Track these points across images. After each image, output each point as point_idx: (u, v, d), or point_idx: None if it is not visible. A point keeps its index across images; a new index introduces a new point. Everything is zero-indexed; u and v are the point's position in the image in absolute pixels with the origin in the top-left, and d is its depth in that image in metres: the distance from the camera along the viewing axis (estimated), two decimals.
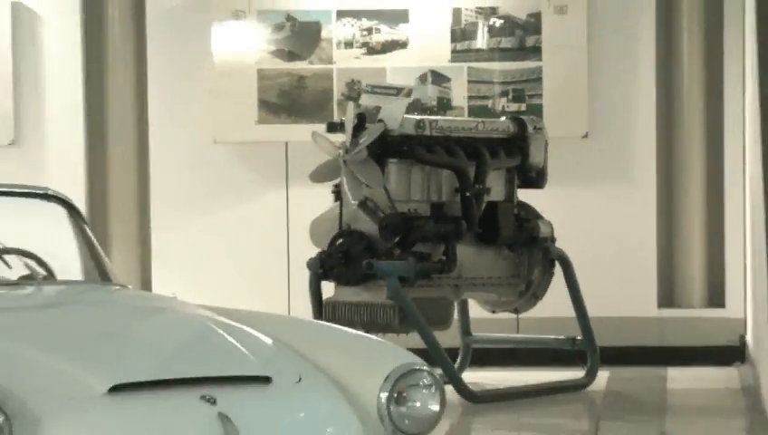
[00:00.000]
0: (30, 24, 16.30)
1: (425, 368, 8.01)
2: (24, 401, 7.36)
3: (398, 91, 15.41)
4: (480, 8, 16.13)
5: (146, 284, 15.99)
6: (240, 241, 16.12)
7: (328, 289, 13.91)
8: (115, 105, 16.42)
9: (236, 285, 15.27)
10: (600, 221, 15.81)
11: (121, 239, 16.28)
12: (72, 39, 16.29)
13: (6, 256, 9.20)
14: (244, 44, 16.16)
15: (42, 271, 9.14)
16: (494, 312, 14.66)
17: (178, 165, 16.28)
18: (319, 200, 14.32)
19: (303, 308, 13.99)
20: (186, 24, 16.20)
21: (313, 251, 14.01)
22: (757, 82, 13.20)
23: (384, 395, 7.80)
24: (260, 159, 16.16)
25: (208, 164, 16.19)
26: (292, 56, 16.24)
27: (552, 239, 14.26)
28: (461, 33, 16.17)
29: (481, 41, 16.16)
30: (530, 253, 14.25)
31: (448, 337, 14.15)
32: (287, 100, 16.21)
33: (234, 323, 8.30)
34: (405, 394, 7.87)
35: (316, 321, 12.58)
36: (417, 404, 7.87)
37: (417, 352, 8.52)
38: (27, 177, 14.74)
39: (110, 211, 16.36)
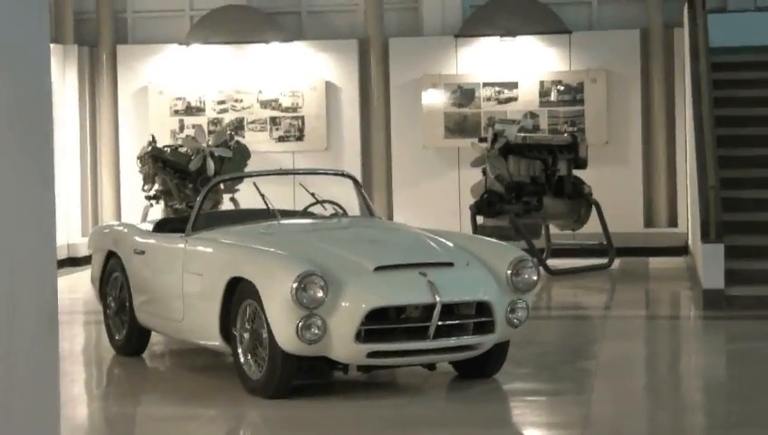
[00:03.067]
0: (334, 91, 16.23)
1: (528, 257, 7.98)
2: (333, 274, 7.49)
3: (513, 121, 15.19)
4: (552, 81, 15.90)
5: (390, 217, 16.01)
6: (436, 196, 16.05)
7: (479, 220, 13.85)
8: (375, 128, 16.38)
9: (434, 216, 15.24)
10: (613, 184, 15.44)
11: (378, 195, 16.27)
12: (353, 98, 16.23)
13: (325, 204, 9.23)
14: (438, 100, 16.08)
15: (341, 211, 9.16)
16: (561, 230, 14.51)
17: (406, 157, 16.22)
18: (474, 176, 14.26)
19: (466, 229, 13.92)
20: (409, 90, 16.11)
21: (471, 200, 13.94)
22: (691, 106, 12.96)
23: (509, 271, 7.78)
24: (445, 155, 16.06)
25: (420, 157, 16.11)
26: (460, 106, 16.07)
27: (591, 193, 14.07)
28: (543, 93, 15.93)
29: (553, 96, 15.90)
30: (579, 200, 14.07)
31: (539, 243, 14.04)
32: (458, 126, 16.04)
33: (434, 236, 8.26)
34: (519, 271, 7.81)
35: (474, 235, 12.52)
36: (526, 276, 7.83)
37: (524, 250, 8.35)
38: (333, 164, 14.89)
39: (373, 181, 16.36)
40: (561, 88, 15.75)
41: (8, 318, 3.67)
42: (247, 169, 13.82)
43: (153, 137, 14.62)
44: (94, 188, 16.50)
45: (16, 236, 3.71)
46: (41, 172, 3.92)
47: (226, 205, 13.90)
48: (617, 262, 14.17)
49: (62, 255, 15.06)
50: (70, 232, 15.70)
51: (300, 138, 16.15)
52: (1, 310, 3.65)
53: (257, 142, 15.74)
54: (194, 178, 13.97)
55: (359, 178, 9.97)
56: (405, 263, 7.63)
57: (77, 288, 12.87)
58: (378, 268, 7.52)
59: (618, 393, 7.80)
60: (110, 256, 9.27)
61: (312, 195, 9.15)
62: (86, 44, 16.53)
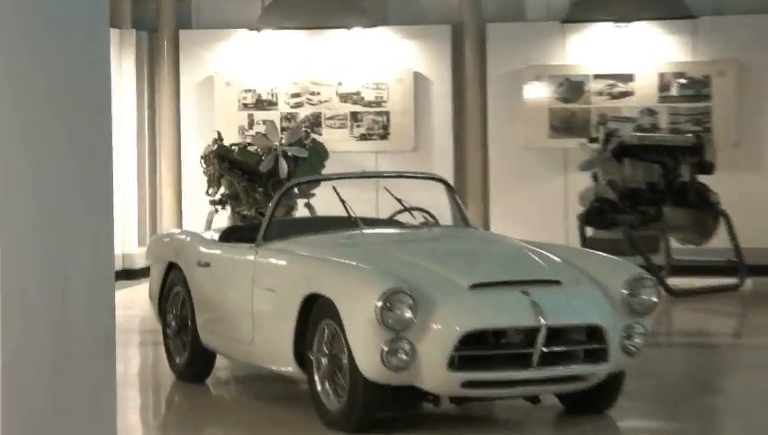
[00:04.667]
0: (423, 83, 16.24)
1: (647, 275, 7.91)
2: (423, 291, 7.50)
3: (628, 119, 15.14)
4: (674, 73, 15.80)
5: (486, 227, 15.95)
6: (539, 204, 15.96)
7: (588, 232, 13.82)
8: (469, 126, 16.35)
9: (536, 227, 15.14)
10: (744, 192, 15.30)
11: (473, 202, 16.21)
12: (445, 91, 16.20)
13: (414, 212, 9.23)
14: (542, 94, 16.00)
15: (431, 219, 9.16)
16: (683, 244, 14.39)
17: (505, 159, 16.18)
18: (582, 181, 14.22)
19: (574, 242, 13.84)
20: (509, 83, 16.08)
21: (579, 209, 13.89)
22: None
23: (625, 292, 7.73)
24: (548, 157, 15.97)
25: (521, 159, 16.03)
26: (567, 101, 16.03)
27: (718, 202, 13.97)
28: (663, 87, 15.83)
29: (674, 91, 15.81)
30: (705, 210, 13.98)
31: (658, 259, 13.91)
32: (565, 124, 16.02)
33: (537, 249, 8.22)
34: (636, 290, 7.75)
35: (584, 249, 12.43)
36: (644, 296, 7.78)
37: (641, 267, 8.30)
38: (421, 167, 14.74)
39: (467, 186, 16.31)
40: (684, 81, 15.68)
41: (62, 339, 3.69)
42: (324, 172, 13.85)
43: (219, 134, 14.71)
44: (153, 192, 16.67)
45: (71, 249, 3.72)
46: (98, 178, 3.93)
47: (301, 211, 13.95)
48: (748, 282, 14.06)
49: (116, 266, 15.21)
50: (125, 241, 15.87)
51: (384, 136, 16.19)
52: (55, 330, 3.68)
53: (336, 141, 15.79)
54: (264, 181, 14.05)
55: (451, 182, 9.92)
56: (505, 280, 7.65)
57: (133, 304, 13.00)
58: (474, 286, 7.53)
59: (749, 434, 7.70)
60: (171, 268, 9.36)
61: (399, 201, 9.18)
62: (145, 29, 16.72)
